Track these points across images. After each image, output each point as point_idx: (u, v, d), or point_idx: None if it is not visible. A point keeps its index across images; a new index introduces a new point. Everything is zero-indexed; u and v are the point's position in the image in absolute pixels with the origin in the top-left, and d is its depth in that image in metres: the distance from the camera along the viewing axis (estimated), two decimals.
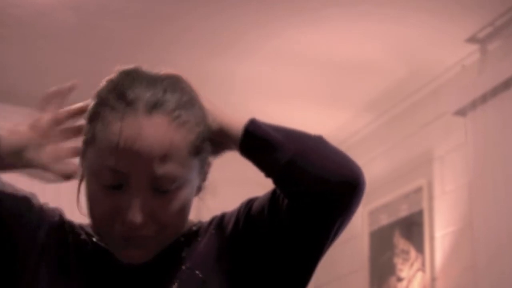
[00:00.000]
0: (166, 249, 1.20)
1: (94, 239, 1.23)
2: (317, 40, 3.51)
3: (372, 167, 4.25)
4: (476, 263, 3.25)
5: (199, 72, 3.81)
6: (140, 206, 1.13)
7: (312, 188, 1.14)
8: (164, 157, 1.13)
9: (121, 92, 1.15)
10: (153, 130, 1.12)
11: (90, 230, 1.24)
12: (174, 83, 1.19)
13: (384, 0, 3.20)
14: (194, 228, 1.26)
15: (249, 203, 1.24)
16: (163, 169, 1.13)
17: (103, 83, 1.20)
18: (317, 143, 1.23)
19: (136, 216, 1.13)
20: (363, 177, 1.20)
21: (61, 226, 1.24)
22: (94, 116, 1.17)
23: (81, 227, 1.26)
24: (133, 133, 1.12)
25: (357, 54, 3.61)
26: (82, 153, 1.20)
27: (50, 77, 3.89)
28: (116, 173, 1.13)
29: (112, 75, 1.21)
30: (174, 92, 1.16)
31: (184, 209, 1.18)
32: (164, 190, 1.15)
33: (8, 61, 3.80)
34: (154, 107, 1.13)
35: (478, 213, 3.28)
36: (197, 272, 1.20)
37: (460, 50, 3.53)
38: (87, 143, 1.17)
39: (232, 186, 4.68)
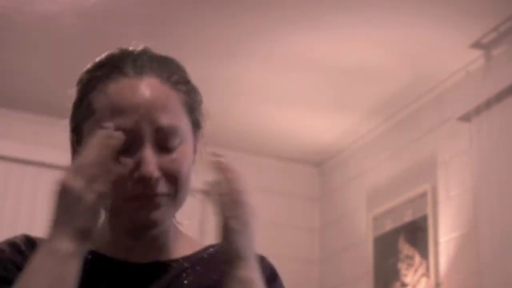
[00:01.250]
0: (169, 271, 1.21)
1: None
2: (322, 45, 3.52)
3: (377, 173, 4.25)
4: (481, 268, 3.24)
5: (205, 77, 3.80)
6: (149, 160, 1.15)
7: None
8: (164, 108, 1.18)
9: (112, 63, 1.22)
10: (148, 87, 1.19)
11: None
12: (161, 56, 1.28)
13: (389, 6, 3.21)
14: (204, 255, 1.27)
15: None
16: (165, 120, 1.17)
17: (87, 66, 1.27)
18: None
19: (147, 169, 1.14)
20: None
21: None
22: (86, 91, 1.21)
23: None
24: (130, 92, 1.17)
25: (362, 59, 3.62)
26: (78, 132, 1.22)
27: (55, 83, 3.90)
28: (124, 134, 1.14)
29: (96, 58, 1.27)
30: (164, 61, 1.27)
31: (188, 172, 1.21)
32: (168, 144, 1.18)
33: (14, 67, 3.81)
34: (143, 69, 1.21)
35: (483, 218, 3.28)
36: None
37: (464, 56, 3.53)
38: (84, 119, 1.20)
39: None
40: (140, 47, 1.29)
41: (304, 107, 4.11)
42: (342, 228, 4.47)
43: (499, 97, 3.27)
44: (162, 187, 1.17)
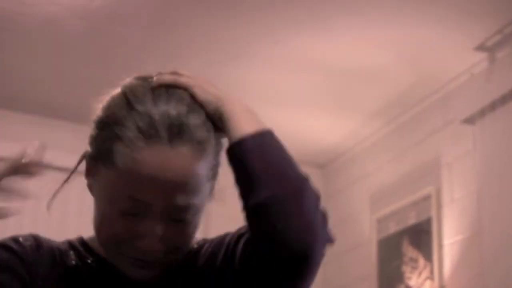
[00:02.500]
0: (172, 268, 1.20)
1: (89, 260, 1.21)
2: (325, 47, 3.52)
3: (380, 175, 4.24)
4: (485, 271, 3.24)
5: (207, 78, 3.81)
6: (156, 234, 1.13)
7: (266, 243, 1.06)
8: (187, 188, 1.11)
9: (142, 112, 1.11)
10: (178, 161, 1.10)
11: (92, 244, 1.23)
12: (189, 100, 1.15)
13: (392, 8, 3.20)
14: (195, 246, 1.25)
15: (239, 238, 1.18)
16: (184, 200, 1.12)
17: (115, 92, 1.16)
18: (295, 195, 1.08)
19: (155, 244, 1.13)
20: (319, 250, 1.10)
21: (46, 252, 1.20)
22: (111, 134, 1.12)
23: (71, 244, 1.24)
24: (159, 164, 1.09)
25: (365, 61, 3.61)
26: (91, 167, 1.16)
27: (56, 85, 3.90)
28: (137, 202, 1.11)
29: (123, 86, 1.17)
30: (194, 113, 1.13)
31: (195, 233, 1.18)
32: (181, 219, 1.14)
33: (15, 68, 3.81)
34: (179, 133, 1.10)
35: (487, 221, 3.27)
36: None
37: (468, 58, 3.52)
38: (101, 160, 1.14)
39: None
40: (173, 91, 1.15)
41: (307, 108, 4.11)
42: (345, 231, 4.46)
43: (503, 100, 3.26)
44: (162, 254, 1.15)
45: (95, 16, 3.34)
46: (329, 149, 4.57)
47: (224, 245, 1.18)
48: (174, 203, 1.11)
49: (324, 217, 1.14)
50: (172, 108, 1.12)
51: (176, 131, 1.10)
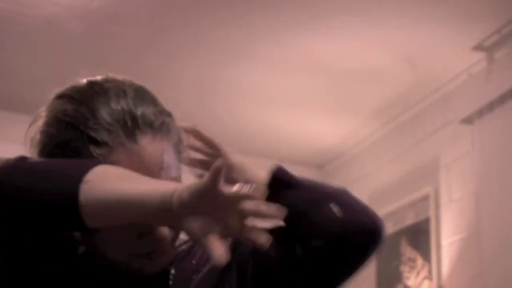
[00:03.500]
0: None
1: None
2: (324, 48, 3.52)
3: (379, 175, 4.24)
4: (483, 271, 3.24)
5: (206, 80, 3.82)
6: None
7: (332, 231, 1.18)
8: (163, 173, 1.13)
9: (97, 122, 1.12)
10: (145, 157, 1.11)
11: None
12: (136, 90, 1.18)
13: (391, 9, 3.21)
14: (184, 247, 1.27)
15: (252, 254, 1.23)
16: (167, 176, 1.13)
17: (55, 114, 1.18)
18: (342, 191, 1.25)
19: (165, 229, 1.14)
20: (383, 227, 1.23)
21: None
22: (72, 154, 1.12)
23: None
24: (128, 166, 1.09)
25: (364, 62, 3.62)
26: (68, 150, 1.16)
27: (56, 86, 3.90)
28: None
29: (60, 103, 1.20)
30: (143, 100, 1.16)
31: None
32: None
33: (15, 69, 3.81)
34: (134, 126, 1.12)
35: (485, 221, 3.27)
36: None
37: (466, 58, 3.53)
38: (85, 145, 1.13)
39: None
40: (115, 86, 1.17)
41: (307, 109, 4.11)
42: None
43: (502, 100, 3.27)
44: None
45: (95, 16, 3.35)
46: (328, 149, 4.57)
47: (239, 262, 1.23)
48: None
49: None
50: (123, 107, 1.14)
51: (132, 125, 1.12)
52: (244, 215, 0.94)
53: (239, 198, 0.94)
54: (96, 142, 1.11)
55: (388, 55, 3.55)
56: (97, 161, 1.08)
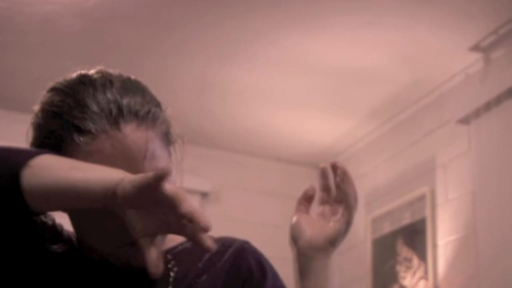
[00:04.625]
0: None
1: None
2: (320, 48, 3.52)
3: (375, 175, 4.25)
4: (479, 271, 3.24)
5: (204, 79, 3.82)
6: None
7: None
8: (146, 161, 1.13)
9: (81, 111, 1.13)
10: (128, 142, 1.12)
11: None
12: (123, 81, 1.18)
13: (388, 9, 3.21)
14: (188, 245, 1.26)
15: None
16: (152, 166, 1.13)
17: (43, 106, 1.18)
18: None
19: None
20: None
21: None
22: (59, 143, 1.13)
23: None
24: (111, 152, 1.11)
25: (360, 62, 3.62)
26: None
27: None
28: None
29: (47, 95, 1.20)
30: (130, 91, 1.16)
31: None
32: None
33: (14, 68, 3.81)
34: (119, 115, 1.13)
35: (481, 221, 3.28)
36: None
37: (463, 59, 3.53)
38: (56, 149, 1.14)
39: (234, 192, 4.69)
40: (102, 78, 1.18)
41: (303, 108, 4.11)
42: None
43: (498, 100, 3.27)
44: None
45: (92, 15, 3.35)
46: (325, 149, 4.57)
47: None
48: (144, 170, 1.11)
49: None
50: (108, 98, 1.14)
51: (116, 113, 1.13)
52: (181, 216, 0.96)
53: (178, 198, 0.96)
54: (80, 130, 1.12)
55: (385, 55, 3.55)
56: (47, 151, 1.10)
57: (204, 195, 4.47)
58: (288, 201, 5.06)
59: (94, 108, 1.13)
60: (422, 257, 3.71)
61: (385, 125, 4.22)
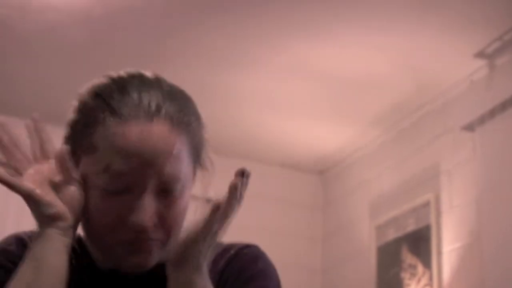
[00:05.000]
0: (159, 277, 1.19)
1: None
2: (324, 54, 3.52)
3: (380, 182, 4.24)
4: (484, 279, 3.23)
5: (207, 85, 3.82)
6: (147, 207, 1.13)
7: None
8: (170, 157, 1.13)
9: (123, 98, 1.16)
10: (157, 134, 1.13)
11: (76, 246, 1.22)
12: (172, 88, 1.21)
13: (392, 16, 3.21)
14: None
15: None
16: (169, 169, 1.13)
17: (88, 87, 1.20)
18: None
19: (144, 217, 1.13)
20: None
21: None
22: (90, 121, 1.16)
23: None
24: (139, 137, 1.12)
25: (365, 68, 3.62)
26: (74, 158, 1.17)
27: (59, 91, 3.90)
28: (122, 176, 1.12)
29: (97, 80, 1.22)
30: (174, 98, 1.18)
31: (184, 215, 1.18)
32: (169, 190, 1.14)
33: (19, 75, 3.81)
34: (155, 112, 1.15)
35: (486, 228, 3.27)
36: None
37: (468, 65, 3.53)
38: (83, 151, 1.16)
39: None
40: (152, 79, 1.22)
41: (307, 115, 4.11)
42: (344, 237, 4.46)
43: (503, 107, 3.27)
44: (156, 233, 1.15)
45: (96, 23, 3.35)
46: (329, 156, 4.57)
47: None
48: (158, 173, 1.13)
49: None
50: (151, 95, 1.17)
51: (151, 107, 1.15)
52: None
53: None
54: (113, 111, 1.14)
55: (389, 61, 3.55)
56: None
57: (208, 201, 4.47)
58: (292, 207, 5.10)
59: (135, 97, 1.15)
60: (427, 264, 3.70)
61: (389, 132, 4.21)
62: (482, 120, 3.37)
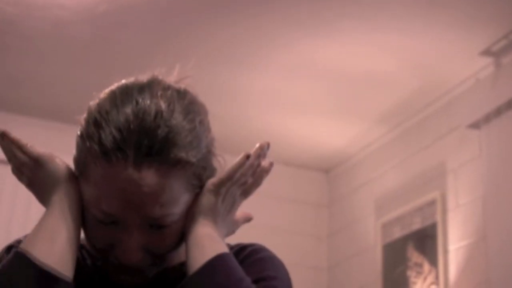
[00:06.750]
0: (166, 276, 1.19)
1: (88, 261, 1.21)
2: (330, 53, 3.52)
3: (385, 180, 4.24)
4: (491, 277, 3.23)
5: (214, 84, 3.82)
6: (135, 245, 1.12)
7: None
8: (159, 201, 1.10)
9: (110, 137, 1.08)
10: (145, 181, 1.08)
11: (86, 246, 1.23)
12: (169, 108, 1.14)
13: (398, 13, 3.20)
14: None
15: None
16: (158, 212, 1.10)
17: (92, 104, 1.17)
18: None
19: (131, 255, 1.12)
20: None
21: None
22: (86, 147, 1.11)
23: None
24: (125, 184, 1.08)
25: (370, 67, 3.62)
26: (78, 171, 1.16)
27: (63, 90, 3.91)
28: (109, 215, 1.11)
29: (106, 93, 1.19)
30: (170, 129, 1.10)
31: (178, 238, 1.16)
32: (160, 226, 1.12)
33: (23, 73, 3.82)
34: (147, 154, 1.08)
35: (492, 226, 3.26)
36: None
37: (474, 63, 3.52)
38: (80, 170, 1.14)
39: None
40: (147, 102, 1.14)
41: (313, 113, 4.11)
42: (350, 235, 4.46)
43: (509, 105, 3.26)
44: (146, 260, 1.14)
45: (101, 21, 3.35)
46: (335, 154, 4.57)
47: None
48: (147, 215, 1.10)
49: None
50: (147, 121, 1.09)
51: (144, 152, 1.07)
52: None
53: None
54: (102, 154, 1.10)
55: (395, 59, 3.54)
56: None
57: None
58: (297, 206, 5.09)
59: (124, 135, 1.08)
60: (433, 262, 3.69)
61: (395, 130, 4.21)
62: (488, 118, 3.36)
